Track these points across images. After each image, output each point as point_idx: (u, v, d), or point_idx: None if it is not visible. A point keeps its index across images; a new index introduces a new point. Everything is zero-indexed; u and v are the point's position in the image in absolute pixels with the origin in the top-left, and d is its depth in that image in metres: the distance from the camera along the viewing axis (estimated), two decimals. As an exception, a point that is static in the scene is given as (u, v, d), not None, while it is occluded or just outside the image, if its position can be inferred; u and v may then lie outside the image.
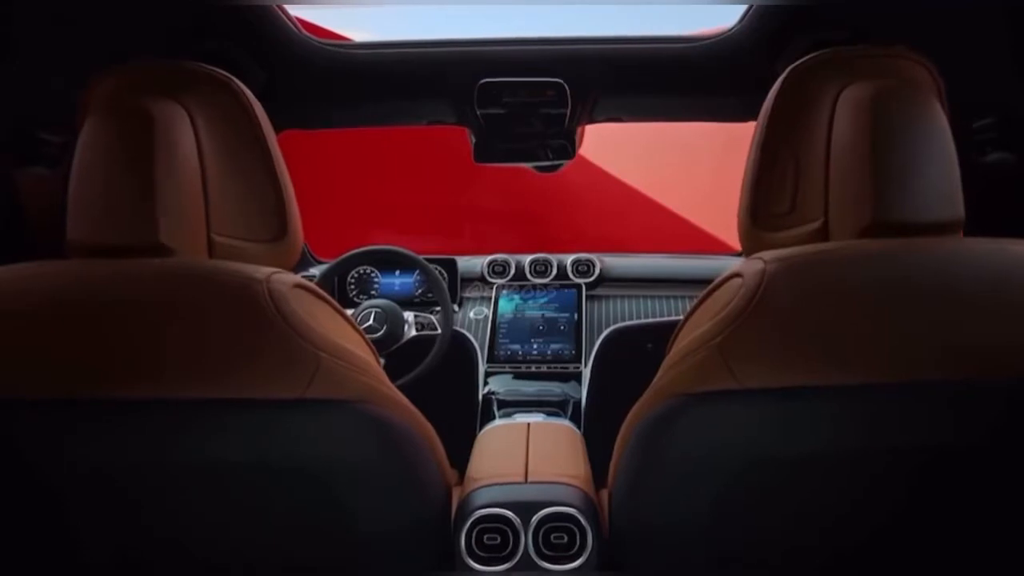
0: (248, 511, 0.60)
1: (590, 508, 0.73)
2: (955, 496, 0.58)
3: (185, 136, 0.60)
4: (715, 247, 2.83)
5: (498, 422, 1.15)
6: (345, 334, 0.62)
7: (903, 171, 0.56)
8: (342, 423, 0.59)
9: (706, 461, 0.60)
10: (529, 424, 1.09)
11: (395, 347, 1.38)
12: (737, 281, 0.56)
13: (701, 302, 0.62)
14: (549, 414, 1.21)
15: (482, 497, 0.75)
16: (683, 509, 0.61)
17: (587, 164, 2.83)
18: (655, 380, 0.66)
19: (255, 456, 0.57)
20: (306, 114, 1.29)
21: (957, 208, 0.58)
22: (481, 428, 1.20)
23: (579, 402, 1.30)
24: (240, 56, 1.03)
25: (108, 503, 0.58)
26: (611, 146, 2.82)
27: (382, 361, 1.30)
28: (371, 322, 1.37)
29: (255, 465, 0.58)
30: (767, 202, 0.66)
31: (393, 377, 1.39)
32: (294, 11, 1.09)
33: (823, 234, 0.62)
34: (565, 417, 1.21)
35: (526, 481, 0.79)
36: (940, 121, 0.58)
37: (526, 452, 0.93)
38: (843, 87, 0.61)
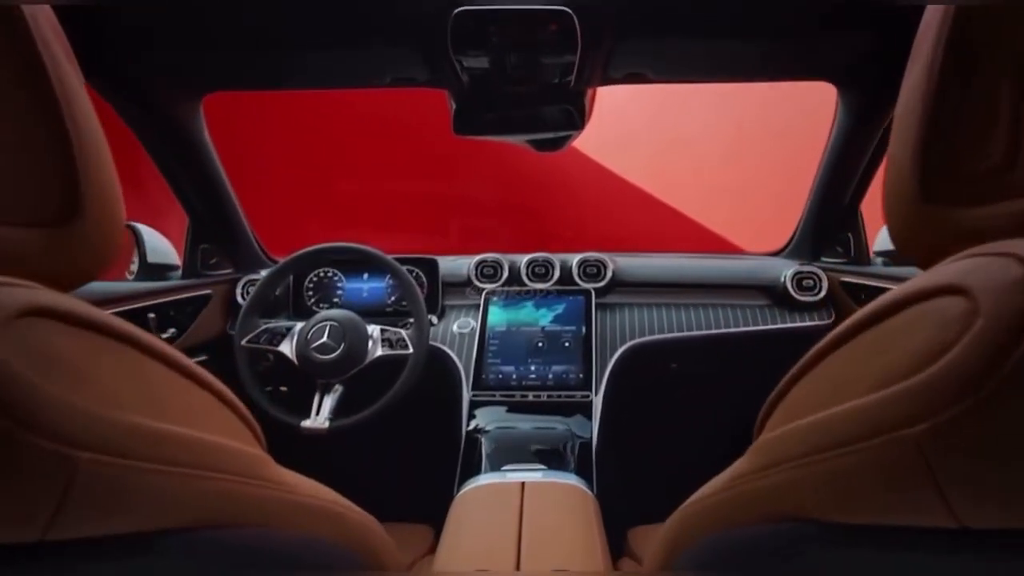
0: None
1: None
2: None
3: None
4: (721, 248, 2.64)
5: (483, 479, 0.86)
6: (159, 394, 0.32)
7: None
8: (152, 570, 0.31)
9: None
10: (524, 485, 0.80)
11: (356, 370, 1.09)
12: (956, 303, 0.27)
13: (851, 337, 0.33)
14: (551, 464, 0.92)
15: None
16: None
17: (586, 159, 2.62)
18: (741, 470, 0.37)
19: None
20: (230, 70, 1.00)
21: None
22: (462, 480, 0.91)
23: (588, 443, 1.00)
24: None
25: None
26: (612, 141, 2.62)
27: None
28: (325, 339, 1.08)
29: None
30: (953, 157, 0.36)
31: (353, 409, 1.12)
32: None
33: None
34: (571, 469, 0.92)
35: None
36: None
37: (518, 538, 0.66)
38: None
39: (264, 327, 1.14)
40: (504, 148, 1.19)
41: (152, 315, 1.09)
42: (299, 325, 1.13)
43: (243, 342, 1.11)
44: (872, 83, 0.99)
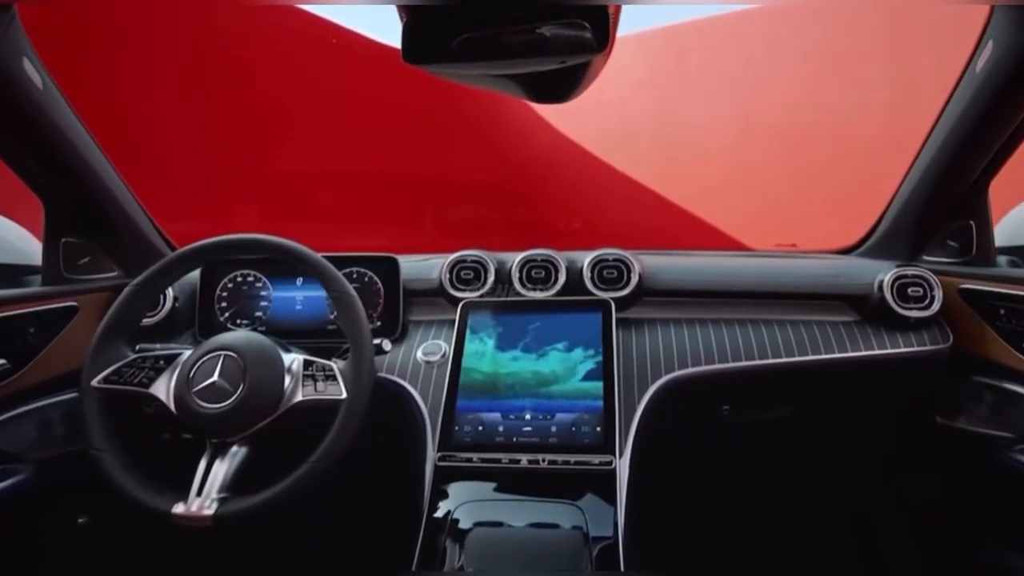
0: None
1: None
2: None
3: None
4: (728, 246, 2.42)
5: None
6: None
7: None
8: None
9: None
10: None
11: (265, 423, 0.73)
12: None
13: None
14: None
15: None
16: None
17: (585, 155, 2.37)
18: None
19: None
20: None
21: None
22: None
23: (613, 548, 0.64)
24: None
25: None
26: (613, 137, 2.40)
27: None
28: (215, 378, 0.72)
29: None
30: None
31: (262, 481, 0.69)
32: None
33: None
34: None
35: None
36: None
37: None
38: None
39: (133, 357, 0.77)
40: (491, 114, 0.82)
41: (-46, 342, 0.73)
42: (185, 354, 0.77)
43: (94, 381, 0.74)
44: None
